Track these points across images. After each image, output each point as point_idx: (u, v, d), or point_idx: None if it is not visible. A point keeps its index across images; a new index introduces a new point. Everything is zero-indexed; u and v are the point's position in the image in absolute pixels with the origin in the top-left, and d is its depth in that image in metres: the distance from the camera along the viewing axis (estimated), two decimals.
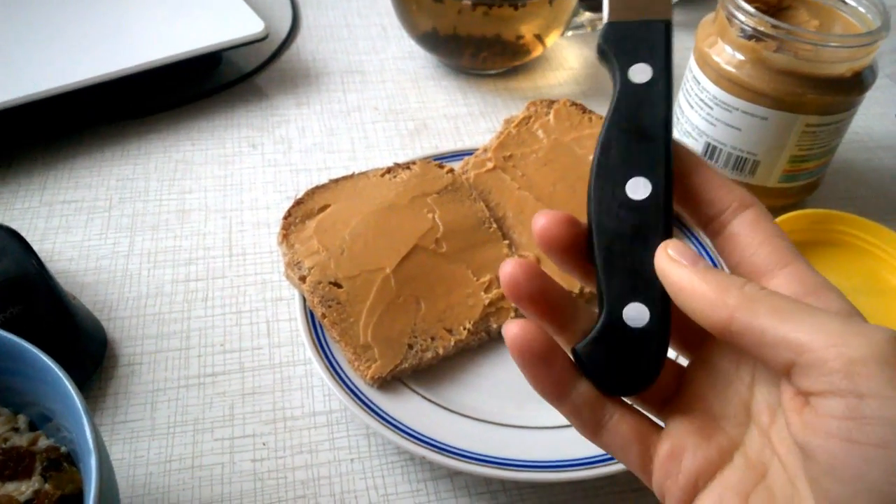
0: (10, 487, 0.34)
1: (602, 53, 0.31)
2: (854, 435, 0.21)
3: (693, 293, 0.25)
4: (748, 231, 0.28)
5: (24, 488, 0.34)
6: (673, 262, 0.26)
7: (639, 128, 0.29)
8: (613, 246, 0.28)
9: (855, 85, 0.52)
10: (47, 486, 0.34)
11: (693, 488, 0.27)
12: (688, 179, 0.29)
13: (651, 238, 0.28)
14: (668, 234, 0.28)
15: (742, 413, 0.27)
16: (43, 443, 0.36)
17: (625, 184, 0.28)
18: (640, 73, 0.29)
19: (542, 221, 0.29)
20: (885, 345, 0.22)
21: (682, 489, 0.27)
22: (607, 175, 0.29)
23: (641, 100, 0.29)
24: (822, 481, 0.22)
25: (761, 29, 0.51)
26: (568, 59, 0.77)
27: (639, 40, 0.30)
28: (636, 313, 0.28)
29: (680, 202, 0.29)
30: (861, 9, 0.54)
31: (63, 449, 0.36)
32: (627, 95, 0.29)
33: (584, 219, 0.30)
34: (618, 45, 0.30)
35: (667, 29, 0.30)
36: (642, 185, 0.28)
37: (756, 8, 0.52)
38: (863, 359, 0.21)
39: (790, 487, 0.25)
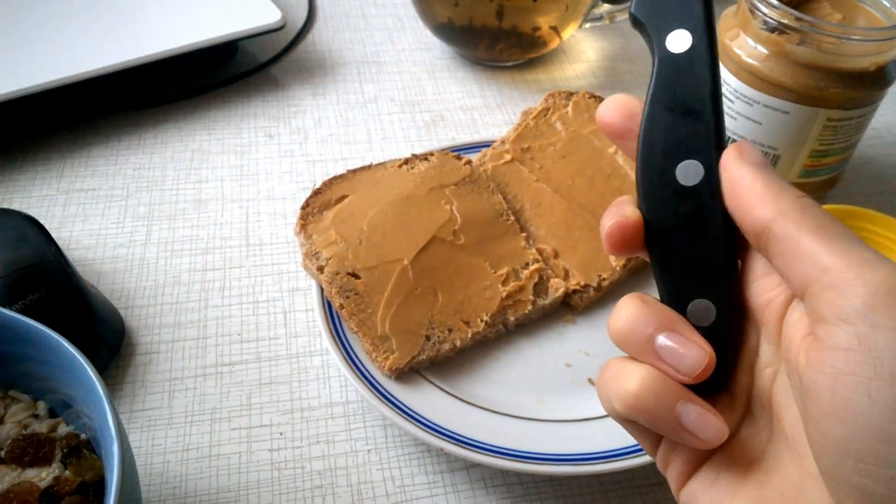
0: (31, 473, 0.34)
1: (636, 23, 0.28)
2: (858, 369, 0.20)
3: (748, 188, 0.24)
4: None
5: (45, 475, 0.34)
6: (740, 158, 0.25)
7: (683, 104, 0.26)
8: (668, 238, 0.26)
9: (878, 79, 0.51)
10: (67, 472, 0.34)
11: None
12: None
13: (709, 226, 0.25)
14: (726, 220, 0.25)
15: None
16: (63, 429, 0.36)
17: (675, 169, 0.26)
18: (679, 40, 0.26)
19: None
20: None
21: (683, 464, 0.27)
22: (654, 161, 0.26)
23: (683, 71, 0.26)
24: (821, 423, 0.21)
25: (784, 21, 0.50)
26: (585, 51, 0.77)
27: (674, 3, 0.27)
28: (701, 311, 0.26)
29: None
30: (885, 2, 0.53)
31: (83, 436, 0.36)
32: (667, 68, 0.26)
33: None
34: (652, 11, 0.27)
35: None
36: (693, 169, 0.26)
37: (779, 0, 0.51)
38: (888, 290, 0.21)
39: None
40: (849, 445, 0.21)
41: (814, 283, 0.22)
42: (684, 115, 0.26)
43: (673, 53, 0.26)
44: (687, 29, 0.26)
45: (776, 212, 0.23)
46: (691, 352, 0.25)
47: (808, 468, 0.23)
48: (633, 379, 0.25)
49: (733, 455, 0.26)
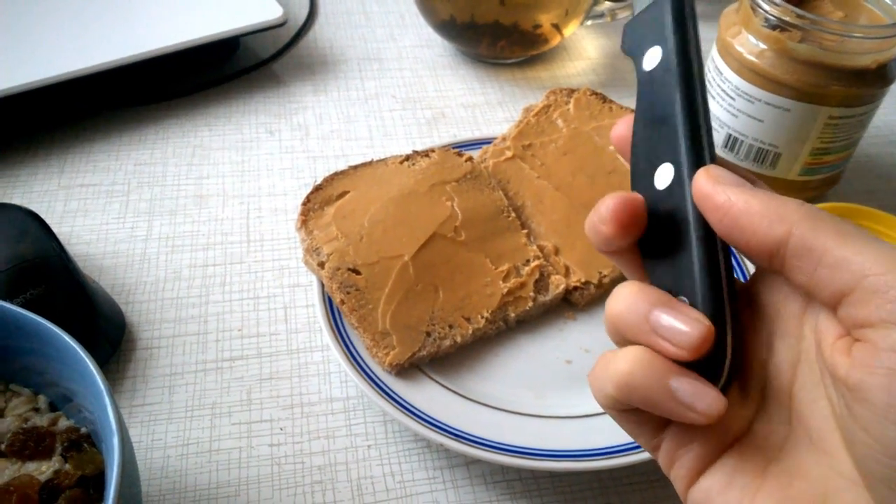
0: (31, 467, 0.34)
1: (628, 55, 0.29)
2: None
3: (746, 210, 0.23)
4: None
5: (45, 468, 0.34)
6: (717, 184, 0.24)
7: (656, 114, 0.27)
8: (653, 242, 0.26)
9: (879, 77, 0.51)
10: (67, 466, 0.34)
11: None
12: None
13: (682, 225, 0.25)
14: (698, 218, 0.25)
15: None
16: (63, 423, 0.36)
17: (653, 176, 0.26)
18: (652, 57, 0.27)
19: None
20: None
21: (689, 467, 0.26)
22: (638, 173, 0.27)
23: (656, 83, 0.27)
24: (873, 426, 0.21)
25: (786, 19, 0.50)
26: (587, 49, 0.77)
27: (649, 24, 0.28)
28: None
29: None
30: (887, 0, 0.53)
31: (83, 430, 0.36)
32: (643, 85, 0.28)
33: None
34: (633, 40, 0.29)
35: (676, 2, 0.27)
36: (665, 171, 0.26)
37: None
38: None
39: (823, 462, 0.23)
40: None
41: (853, 291, 0.21)
42: (658, 124, 0.27)
43: (647, 71, 0.28)
44: (658, 45, 0.27)
45: (786, 226, 0.23)
46: (688, 324, 0.24)
47: (839, 468, 0.23)
48: (624, 359, 0.25)
49: (748, 453, 0.25)
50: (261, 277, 0.52)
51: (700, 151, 0.26)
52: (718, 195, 0.24)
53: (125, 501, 0.29)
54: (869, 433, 0.21)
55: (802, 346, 0.24)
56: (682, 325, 0.24)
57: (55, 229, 0.47)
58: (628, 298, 0.25)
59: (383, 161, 0.53)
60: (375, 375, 0.43)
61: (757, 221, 0.23)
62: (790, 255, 0.23)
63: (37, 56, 0.60)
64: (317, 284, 0.46)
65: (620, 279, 0.50)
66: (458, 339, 0.45)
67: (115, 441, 0.29)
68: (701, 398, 0.23)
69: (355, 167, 0.52)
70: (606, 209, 0.26)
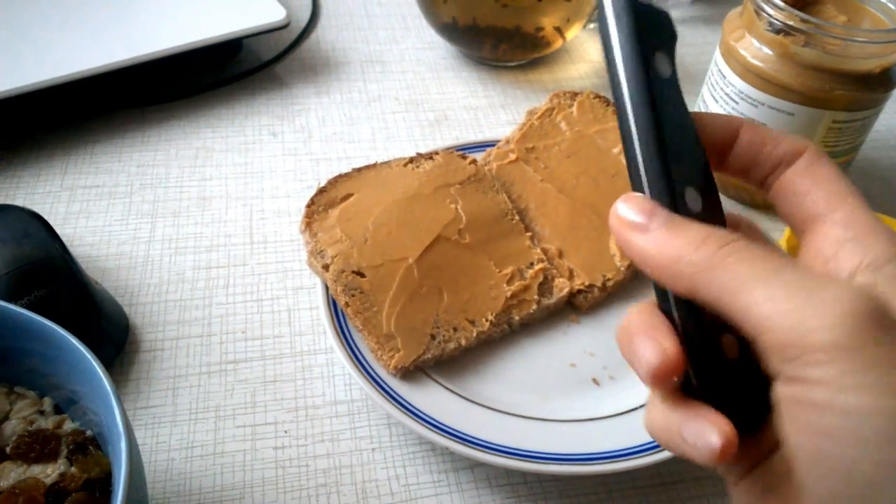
0: (36, 470, 0.34)
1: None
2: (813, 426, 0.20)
3: (651, 261, 0.24)
4: (799, 179, 0.26)
5: (50, 471, 0.34)
6: (624, 227, 0.24)
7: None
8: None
9: (882, 81, 0.52)
10: (73, 469, 0.34)
11: None
12: (733, 145, 0.28)
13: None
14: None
15: None
16: (68, 426, 0.36)
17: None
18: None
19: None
20: (844, 321, 0.19)
21: None
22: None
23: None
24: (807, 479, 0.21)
25: (790, 23, 0.50)
26: (589, 52, 0.77)
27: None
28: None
29: (733, 170, 0.28)
30: (890, 5, 0.53)
31: (89, 432, 0.36)
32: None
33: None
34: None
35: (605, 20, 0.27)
36: None
37: (784, 2, 0.51)
38: (818, 345, 0.19)
39: None
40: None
41: (756, 344, 0.22)
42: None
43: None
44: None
45: (686, 281, 0.23)
46: (712, 435, 0.23)
47: None
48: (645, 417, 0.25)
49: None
50: (264, 280, 0.52)
51: (637, 180, 0.26)
52: (628, 241, 0.24)
53: None
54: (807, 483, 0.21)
55: None
56: (708, 437, 0.23)
57: (58, 231, 0.47)
58: (657, 421, 0.25)
59: (387, 163, 0.53)
60: (380, 378, 0.43)
61: (663, 275, 0.23)
62: (708, 305, 0.23)
63: (40, 57, 0.60)
64: (321, 287, 0.46)
65: (624, 282, 0.50)
66: (463, 342, 0.45)
67: (123, 444, 0.29)
68: (702, 446, 0.23)
69: (359, 169, 0.52)
70: (644, 363, 0.24)
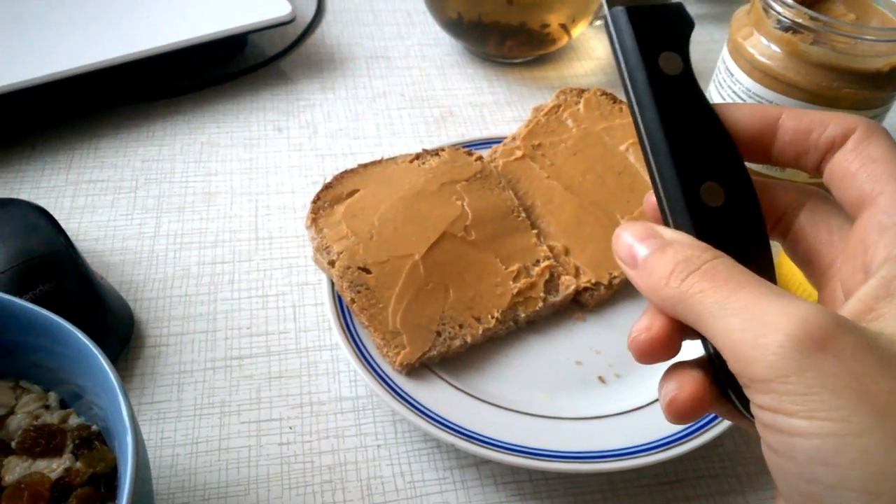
0: (42, 465, 0.34)
1: None
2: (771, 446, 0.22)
3: (643, 292, 0.25)
4: (847, 160, 0.25)
5: (55, 466, 0.34)
6: (620, 260, 0.26)
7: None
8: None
9: (891, 80, 0.51)
10: (78, 464, 0.34)
11: None
12: (775, 134, 0.27)
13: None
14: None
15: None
16: (74, 420, 0.36)
17: None
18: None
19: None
20: (779, 350, 0.20)
21: None
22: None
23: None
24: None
25: (799, 21, 0.50)
26: (595, 49, 0.76)
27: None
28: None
29: (782, 160, 0.27)
30: None
31: (94, 427, 0.36)
32: None
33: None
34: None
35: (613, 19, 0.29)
36: None
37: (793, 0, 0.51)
38: (757, 376, 0.21)
39: None
40: None
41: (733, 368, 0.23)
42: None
43: None
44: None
45: (672, 312, 0.24)
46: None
47: None
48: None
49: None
50: (269, 275, 0.51)
51: (652, 179, 0.27)
52: (626, 271, 0.26)
53: (138, 499, 0.29)
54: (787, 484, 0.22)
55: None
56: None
57: (63, 225, 0.46)
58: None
59: (393, 159, 0.53)
60: (385, 375, 0.43)
61: (650, 298, 0.25)
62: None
63: (44, 52, 0.60)
64: (326, 283, 0.46)
65: (629, 283, 0.50)
66: (469, 339, 0.45)
67: (129, 438, 0.29)
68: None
69: (365, 166, 0.52)
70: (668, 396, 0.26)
